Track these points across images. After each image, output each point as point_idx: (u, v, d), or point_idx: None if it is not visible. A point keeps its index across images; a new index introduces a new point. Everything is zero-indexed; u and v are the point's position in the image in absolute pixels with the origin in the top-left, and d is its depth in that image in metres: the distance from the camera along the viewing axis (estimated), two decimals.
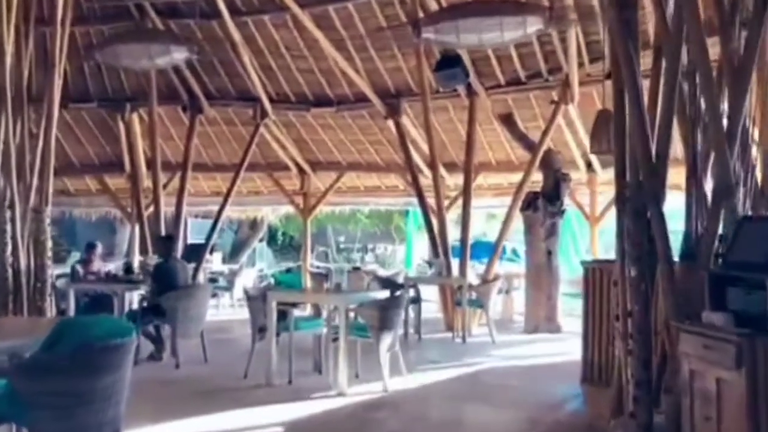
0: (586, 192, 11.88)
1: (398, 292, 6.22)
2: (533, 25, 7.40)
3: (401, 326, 5.87)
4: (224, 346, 7.90)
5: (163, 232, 10.48)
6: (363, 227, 24.27)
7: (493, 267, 9.78)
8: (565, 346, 8.56)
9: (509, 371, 7.03)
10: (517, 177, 12.70)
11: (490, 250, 16.53)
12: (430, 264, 9.08)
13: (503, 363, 7.37)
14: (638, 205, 4.30)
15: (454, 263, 9.80)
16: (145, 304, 6.85)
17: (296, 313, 6.44)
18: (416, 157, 11.09)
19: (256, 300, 6.03)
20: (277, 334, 5.97)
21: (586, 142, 10.99)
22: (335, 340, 5.79)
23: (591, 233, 11.82)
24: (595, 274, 5.93)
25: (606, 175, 11.91)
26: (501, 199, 13.37)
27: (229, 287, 11.36)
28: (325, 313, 6.13)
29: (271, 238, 29.39)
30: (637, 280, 4.25)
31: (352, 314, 5.92)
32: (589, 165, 11.50)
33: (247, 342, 6.36)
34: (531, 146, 10.37)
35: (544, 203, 9.65)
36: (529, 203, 9.67)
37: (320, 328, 6.16)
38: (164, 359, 7.02)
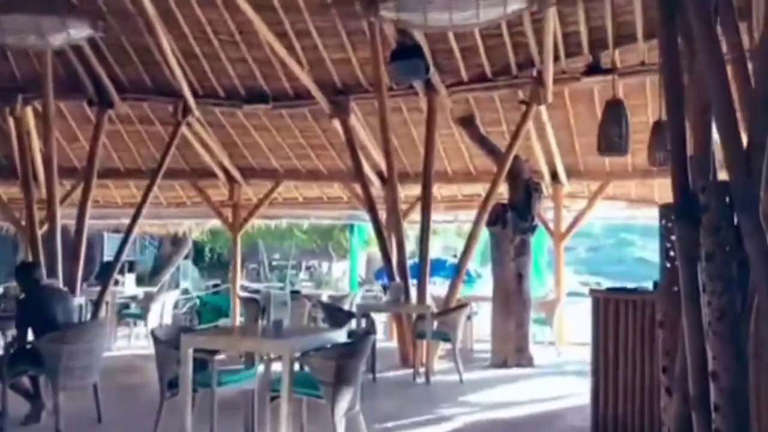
0: (550, 205, 10.77)
1: (363, 336, 4.75)
2: (515, 2, 6.17)
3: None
4: (127, 398, 6.21)
5: (59, 251, 8.62)
6: (299, 243, 22.53)
7: (456, 291, 8.42)
8: (545, 385, 7.29)
9: (493, 429, 5.64)
10: (474, 188, 11.56)
11: (442, 269, 15.39)
12: (384, 288, 7.59)
13: (482, 415, 5.98)
14: (720, 215, 3.01)
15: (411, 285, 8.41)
16: (13, 348, 5.12)
17: (222, 356, 4.89)
18: (365, 165, 9.70)
19: (165, 345, 4.43)
20: (194, 390, 4.40)
21: (556, 148, 9.92)
22: (274, 399, 4.26)
23: (556, 251, 10.69)
24: (607, 306, 4.65)
25: (573, 187, 10.87)
26: (454, 213, 12.20)
27: (143, 314, 9.58)
28: (260, 366, 4.57)
29: (198, 255, 27.30)
30: (726, 327, 2.94)
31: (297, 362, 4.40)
32: (554, 175, 10.39)
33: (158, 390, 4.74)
34: (494, 153, 9.13)
35: (513, 218, 8.40)
36: (497, 217, 8.39)
37: (252, 381, 4.60)
38: (42, 420, 5.30)
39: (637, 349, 4.61)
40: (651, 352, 4.51)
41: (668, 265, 3.57)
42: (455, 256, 21.62)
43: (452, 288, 8.38)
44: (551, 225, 10.63)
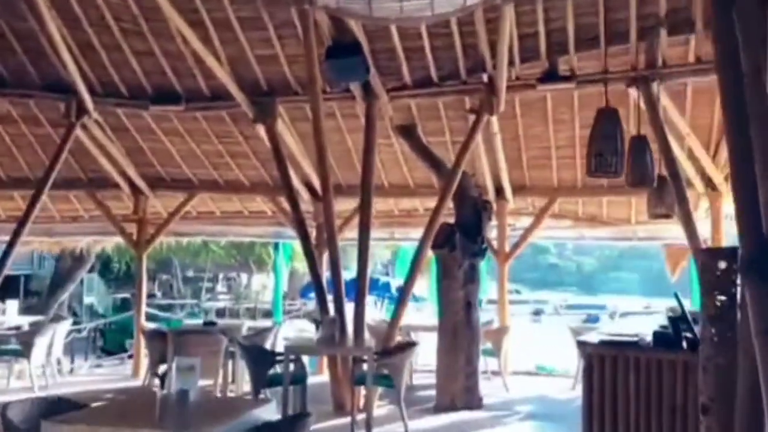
0: (493, 223, 9.94)
1: (296, 421, 3.59)
2: None
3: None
4: None
5: None
6: (216, 259, 20.92)
7: (398, 323, 7.38)
8: None
9: None
10: (411, 203, 10.61)
11: (375, 288, 14.32)
12: (316, 323, 6.46)
13: None
14: None
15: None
16: None
17: None
18: (293, 176, 8.57)
19: None
20: None
21: (504, 163, 9.10)
22: None
23: (499, 273, 9.86)
24: (602, 365, 3.74)
25: (517, 204, 10.08)
26: (390, 230, 11.21)
27: (24, 351, 8.01)
28: None
29: (104, 267, 25.15)
30: None
31: None
32: (498, 191, 9.57)
33: None
34: (438, 166, 8.20)
35: (462, 240, 7.46)
36: (445, 239, 7.43)
37: None
38: None
39: (641, 420, 3.71)
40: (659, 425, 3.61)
41: (713, 330, 2.68)
42: (388, 273, 20.71)
43: (394, 319, 7.33)
44: (495, 244, 9.79)
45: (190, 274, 31.47)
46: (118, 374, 10.26)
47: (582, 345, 3.96)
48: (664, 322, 5.47)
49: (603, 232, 10.03)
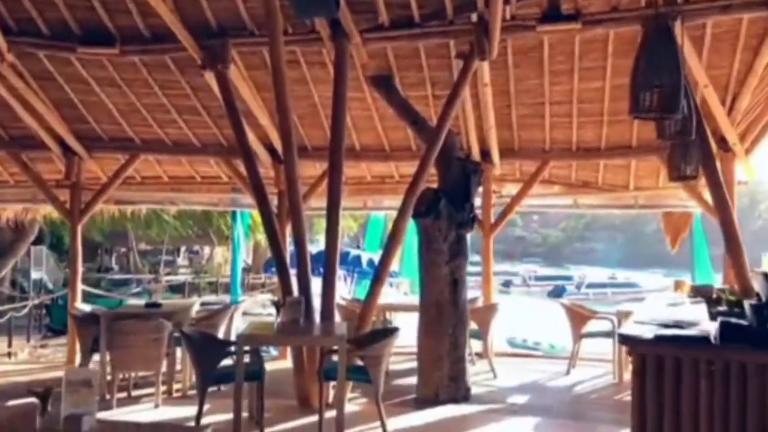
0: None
1: None
2: None
3: None
4: None
5: None
6: (169, 230, 19.55)
7: (374, 304, 6.32)
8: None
9: None
10: (386, 168, 9.51)
11: (344, 262, 13.17)
12: (277, 305, 5.36)
13: None
14: None
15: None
16: None
17: None
18: (250, 134, 7.39)
19: None
20: None
21: (492, 121, 8.03)
22: None
23: (484, 246, 8.87)
24: (661, 369, 2.74)
25: (504, 169, 9.07)
26: (362, 198, 10.12)
27: None
28: None
29: (55, 239, 23.52)
30: None
31: None
32: (484, 154, 8.52)
33: None
34: (418, 123, 7.13)
35: (448, 207, 6.41)
36: (428, 207, 6.37)
37: None
38: None
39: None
40: None
41: None
42: (359, 246, 19.57)
43: (370, 299, 6.26)
44: (479, 214, 8.77)
45: (150, 247, 29.92)
46: (60, 359, 9.09)
47: (630, 342, 2.96)
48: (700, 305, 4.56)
49: (598, 199, 9.08)
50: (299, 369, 5.84)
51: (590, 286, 42.70)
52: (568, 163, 8.87)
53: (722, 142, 7.47)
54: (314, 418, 5.40)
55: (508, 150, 8.61)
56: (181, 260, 33.54)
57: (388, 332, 5.31)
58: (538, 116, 8.06)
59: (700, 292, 5.07)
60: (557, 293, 41.90)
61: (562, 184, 9.18)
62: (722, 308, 3.65)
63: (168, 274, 28.50)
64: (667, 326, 3.19)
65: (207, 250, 30.48)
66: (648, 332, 2.99)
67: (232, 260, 11.47)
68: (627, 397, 6.68)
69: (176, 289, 23.71)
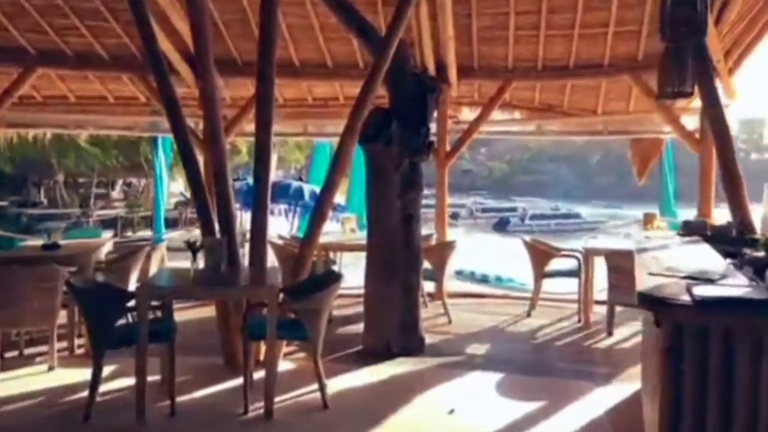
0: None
1: None
2: None
3: None
4: None
5: None
6: (87, 160, 17.95)
7: (314, 243, 5.36)
8: (453, 391, 4.64)
9: None
10: (330, 89, 8.43)
11: (284, 195, 12.07)
12: (192, 248, 4.36)
13: None
14: None
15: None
16: None
17: None
18: (166, 43, 6.19)
19: None
20: None
21: (451, 32, 7.01)
22: None
23: (439, 177, 7.99)
24: (704, 344, 1.89)
25: (462, 90, 8.12)
26: (302, 122, 9.04)
27: None
28: None
29: None
30: None
31: None
32: (440, 72, 7.52)
33: None
34: (366, 32, 6.04)
35: (400, 131, 5.45)
36: (377, 130, 5.39)
37: None
38: None
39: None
40: None
41: None
42: (301, 178, 18.34)
43: (309, 238, 5.30)
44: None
45: (85, 179, 27.98)
46: None
47: (659, 307, 2.11)
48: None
49: (563, 125, 8.26)
50: (224, 323, 4.90)
51: (534, 217, 43.08)
52: (531, 84, 7.99)
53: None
54: (241, 380, 4.52)
55: (467, 68, 7.64)
56: (117, 193, 31.75)
57: (329, 279, 4.39)
58: (501, 28, 7.09)
59: (693, 229, 4.35)
60: (502, 225, 42.12)
61: (524, 108, 8.31)
62: (759, 254, 2.89)
63: (102, 208, 26.83)
64: (694, 279, 2.40)
65: (144, 182, 28.75)
66: (678, 290, 2.17)
67: (154, 192, 10.27)
68: (595, 344, 6.08)
69: (109, 224, 22.26)
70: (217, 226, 4.90)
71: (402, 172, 5.51)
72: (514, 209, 47.73)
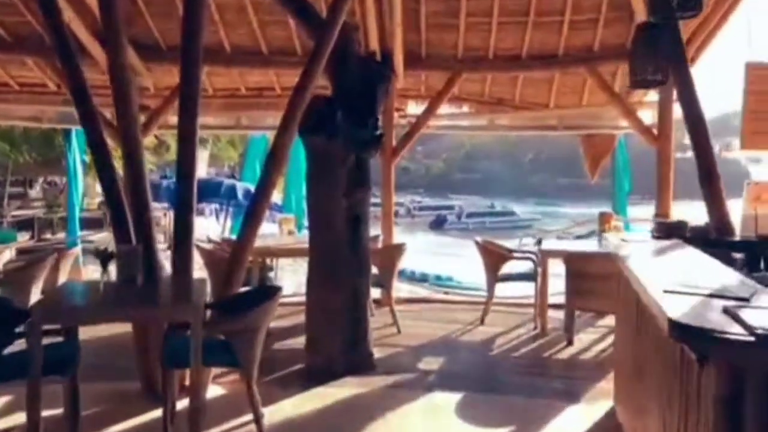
0: None
1: None
2: None
3: None
4: None
5: None
6: (2, 155, 16.52)
7: (248, 248, 4.68)
8: (414, 417, 4.09)
9: None
10: (264, 77, 7.75)
11: (214, 195, 11.20)
12: (102, 258, 3.64)
13: None
14: None
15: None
16: None
17: None
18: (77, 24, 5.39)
19: None
20: None
21: (399, 17, 6.45)
22: None
23: (384, 175, 7.43)
24: None
25: (409, 82, 7.59)
26: (234, 115, 8.30)
27: None
28: None
29: None
30: None
31: None
32: (385, 61, 6.96)
33: None
34: (307, 14, 5.42)
35: (345, 122, 4.85)
36: (321, 120, 4.78)
37: None
38: None
39: None
40: None
41: None
42: (234, 176, 17.36)
43: (242, 241, 4.62)
44: None
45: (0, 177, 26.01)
46: None
47: (706, 344, 1.58)
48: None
49: (515, 119, 7.84)
50: (141, 344, 4.19)
51: (470, 215, 43.37)
52: (482, 77, 7.54)
53: None
54: (161, 411, 3.82)
55: (414, 57, 7.12)
56: (36, 193, 29.78)
57: (266, 293, 3.75)
58: (451, 14, 6.60)
59: (671, 230, 3.94)
60: (439, 223, 42.15)
61: (473, 101, 7.85)
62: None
63: (19, 208, 25.03)
64: (722, 297, 1.92)
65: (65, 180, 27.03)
66: (719, 318, 1.67)
67: (68, 191, 9.29)
68: (557, 353, 5.65)
69: (25, 225, 20.71)
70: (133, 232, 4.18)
71: (348, 168, 4.92)
72: (451, 207, 47.99)
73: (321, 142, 4.84)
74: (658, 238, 4.01)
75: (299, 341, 5.25)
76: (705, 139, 4.20)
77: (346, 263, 4.96)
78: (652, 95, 6.90)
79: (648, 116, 6.76)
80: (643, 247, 3.69)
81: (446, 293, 13.70)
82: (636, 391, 3.04)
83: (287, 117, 4.75)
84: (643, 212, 10.31)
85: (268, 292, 3.81)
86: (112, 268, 3.84)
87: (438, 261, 19.51)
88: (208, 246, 5.99)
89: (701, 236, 3.84)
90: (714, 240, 3.78)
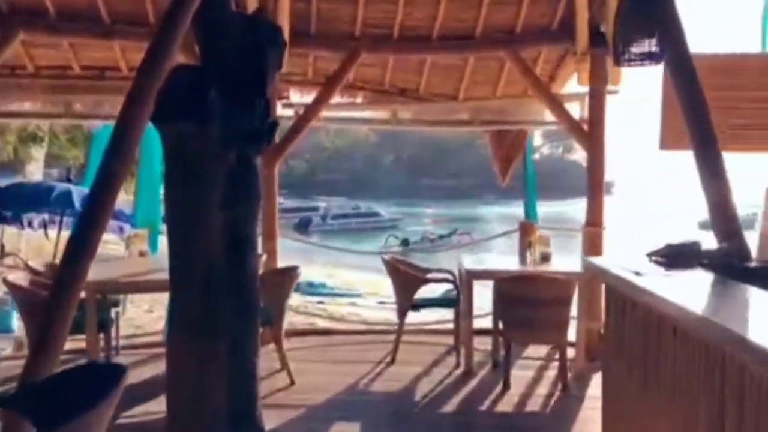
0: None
1: None
2: None
3: None
4: None
5: None
6: None
7: (78, 277, 3.07)
8: None
9: None
10: (106, 53, 6.02)
11: (44, 204, 8.90)
12: None
13: None
14: None
15: None
16: None
17: None
18: None
19: None
20: None
21: None
22: None
23: (267, 178, 5.96)
24: None
25: (293, 64, 6.20)
26: (62, 100, 6.42)
27: None
28: None
29: None
30: None
31: None
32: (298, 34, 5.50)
33: None
34: None
35: (222, 103, 3.38)
36: (187, 100, 3.28)
37: None
38: None
39: None
40: None
41: None
42: (70, 179, 14.81)
43: (74, 270, 3.00)
44: None
45: None
46: None
47: None
48: None
49: (419, 112, 6.66)
50: None
51: (335, 217, 42.62)
52: (382, 60, 6.30)
53: (597, 36, 5.47)
54: None
55: (302, 34, 5.75)
56: None
57: (99, 380, 2.22)
58: None
59: (683, 255, 2.93)
60: (304, 225, 40.81)
61: (370, 90, 6.60)
62: None
63: None
64: None
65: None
66: None
67: None
68: (497, 403, 4.48)
69: None
70: None
71: (227, 170, 3.44)
72: (315, 209, 47.15)
73: (187, 131, 3.32)
74: (665, 265, 2.98)
75: (159, 406, 3.72)
76: (710, 131, 3.25)
77: (225, 304, 3.49)
78: (574, 85, 6.02)
79: (575, 109, 5.85)
80: (665, 282, 2.62)
81: (320, 303, 12.46)
82: None
83: (135, 92, 3.22)
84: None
85: (104, 376, 2.29)
86: None
87: (306, 266, 18.16)
88: (22, 282, 4.20)
89: (723, 263, 2.85)
90: (742, 268, 2.80)
